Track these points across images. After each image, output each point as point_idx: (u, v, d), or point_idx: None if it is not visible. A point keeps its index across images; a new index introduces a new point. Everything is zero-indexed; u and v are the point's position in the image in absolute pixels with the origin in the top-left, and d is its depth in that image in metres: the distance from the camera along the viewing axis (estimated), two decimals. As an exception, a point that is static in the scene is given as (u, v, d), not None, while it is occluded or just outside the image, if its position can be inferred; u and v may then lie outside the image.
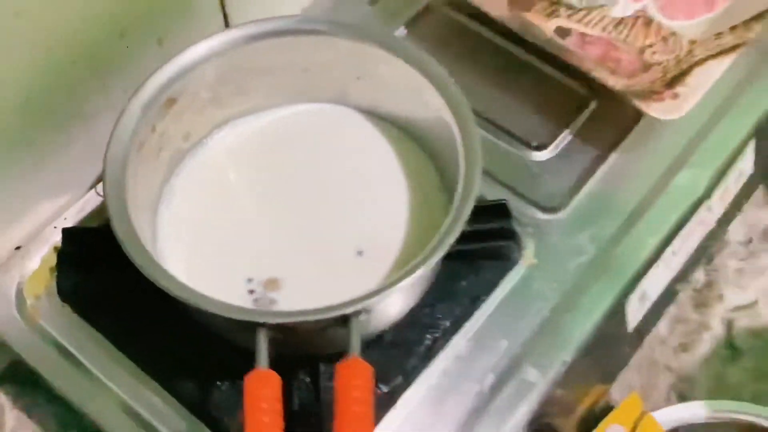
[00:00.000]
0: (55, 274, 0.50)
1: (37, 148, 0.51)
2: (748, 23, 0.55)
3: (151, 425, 0.47)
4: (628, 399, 0.56)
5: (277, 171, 0.49)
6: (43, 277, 0.51)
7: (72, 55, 0.49)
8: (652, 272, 0.53)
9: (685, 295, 0.64)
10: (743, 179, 0.60)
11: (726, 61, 0.53)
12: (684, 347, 0.62)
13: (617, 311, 0.52)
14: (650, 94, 0.52)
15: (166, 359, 0.46)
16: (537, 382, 0.48)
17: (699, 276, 0.64)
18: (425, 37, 0.62)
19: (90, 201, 0.55)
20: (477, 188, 0.41)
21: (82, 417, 0.50)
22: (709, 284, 0.64)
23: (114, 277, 0.47)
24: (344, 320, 0.36)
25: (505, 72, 0.60)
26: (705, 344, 0.62)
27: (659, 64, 0.54)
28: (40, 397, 0.55)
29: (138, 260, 0.37)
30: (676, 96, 0.52)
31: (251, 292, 0.43)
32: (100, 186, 0.52)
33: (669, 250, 0.54)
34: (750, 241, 0.67)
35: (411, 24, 0.63)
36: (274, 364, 0.39)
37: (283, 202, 0.47)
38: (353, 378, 0.35)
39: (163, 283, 0.37)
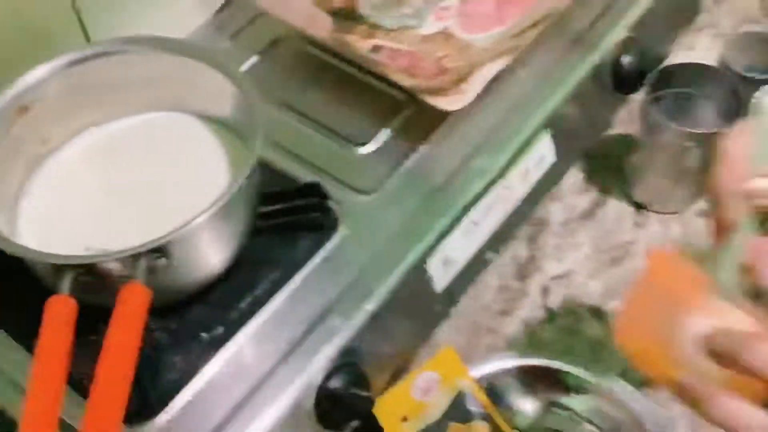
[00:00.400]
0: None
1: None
2: (525, 31, 0.66)
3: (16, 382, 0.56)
4: (443, 351, 0.65)
5: (122, 169, 0.59)
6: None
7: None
8: (452, 239, 0.63)
9: (509, 269, 0.74)
10: (546, 165, 0.71)
11: (502, 62, 0.64)
12: (505, 312, 0.71)
13: (419, 271, 0.61)
14: (440, 91, 0.63)
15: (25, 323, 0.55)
16: (341, 327, 0.57)
17: (522, 252, 0.75)
18: (275, 63, 0.74)
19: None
20: (257, 150, 0.52)
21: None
22: (531, 258, 0.74)
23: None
24: (138, 261, 0.46)
25: (339, 86, 0.71)
26: (524, 308, 0.71)
27: (454, 68, 0.65)
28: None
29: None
30: (460, 92, 0.62)
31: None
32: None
33: (467, 221, 0.64)
34: (568, 222, 0.77)
35: (263, 53, 0.74)
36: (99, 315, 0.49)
37: (122, 193, 0.57)
38: (128, 297, 0.44)
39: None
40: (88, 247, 0.53)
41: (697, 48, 0.88)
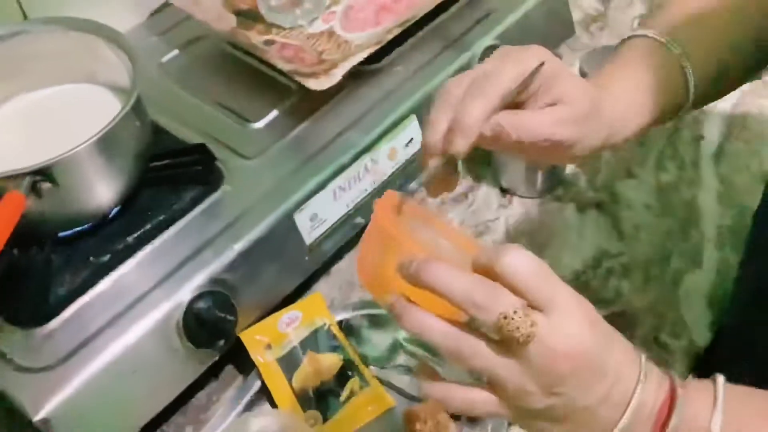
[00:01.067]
0: None
1: None
2: (391, 30, 0.79)
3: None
4: (312, 295, 0.76)
5: (43, 127, 0.71)
6: None
7: None
8: (320, 200, 0.74)
9: (385, 239, 0.84)
10: (414, 147, 0.82)
11: (366, 53, 0.76)
12: (376, 272, 0.82)
13: (288, 223, 0.72)
14: (313, 74, 0.75)
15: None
16: (211, 260, 0.68)
17: (399, 226, 0.85)
18: (192, 56, 0.87)
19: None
20: (135, 95, 0.65)
21: None
22: (405, 231, 0.85)
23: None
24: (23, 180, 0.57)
25: (241, 75, 0.84)
26: (393, 270, 0.82)
27: (330, 60, 0.78)
28: None
29: None
30: (329, 75, 0.75)
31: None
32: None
33: (335, 185, 0.75)
34: (444, 201, 0.88)
35: (183, 48, 0.87)
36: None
37: (40, 145, 0.68)
38: (5, 201, 0.55)
39: None
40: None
41: (575, 66, 0.99)
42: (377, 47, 0.77)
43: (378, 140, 0.78)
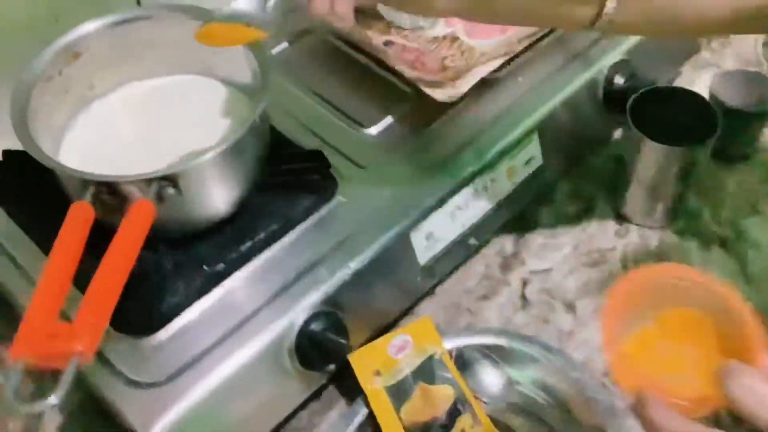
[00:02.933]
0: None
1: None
2: (521, 41, 0.73)
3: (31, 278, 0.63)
4: (420, 319, 0.71)
5: (153, 119, 0.67)
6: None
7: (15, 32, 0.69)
8: (436, 218, 0.69)
9: (494, 261, 0.79)
10: (533, 167, 0.77)
11: (494, 64, 0.71)
12: (485, 297, 0.77)
13: (403, 241, 0.68)
14: (437, 84, 0.70)
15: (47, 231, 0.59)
16: (326, 279, 0.64)
17: (509, 247, 0.80)
18: (302, 50, 0.83)
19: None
20: (262, 106, 0.60)
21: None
22: (515, 254, 0.80)
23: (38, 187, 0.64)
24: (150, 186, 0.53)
25: (354, 75, 0.79)
26: (502, 296, 0.77)
27: (453, 67, 0.73)
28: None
29: (20, 137, 0.55)
30: (454, 86, 0.70)
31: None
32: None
33: (452, 203, 0.70)
34: (555, 225, 0.82)
35: (293, 41, 0.83)
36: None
37: (151, 138, 0.65)
38: (136, 210, 0.51)
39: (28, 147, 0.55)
40: (115, 175, 0.61)
41: (697, 84, 0.94)
42: (506, 58, 0.72)
43: (498, 159, 0.73)
